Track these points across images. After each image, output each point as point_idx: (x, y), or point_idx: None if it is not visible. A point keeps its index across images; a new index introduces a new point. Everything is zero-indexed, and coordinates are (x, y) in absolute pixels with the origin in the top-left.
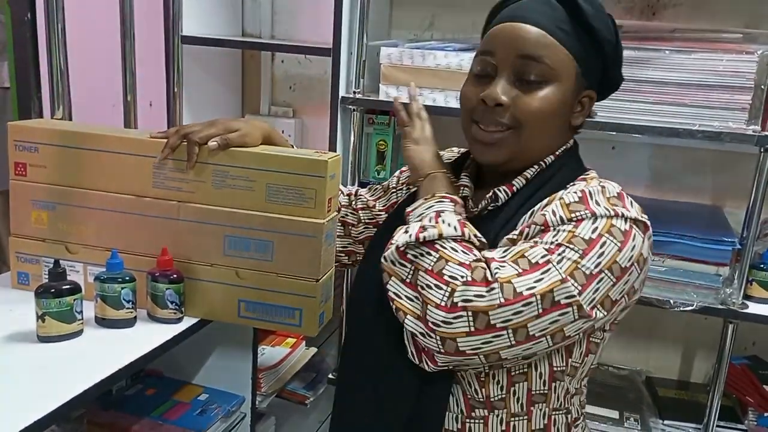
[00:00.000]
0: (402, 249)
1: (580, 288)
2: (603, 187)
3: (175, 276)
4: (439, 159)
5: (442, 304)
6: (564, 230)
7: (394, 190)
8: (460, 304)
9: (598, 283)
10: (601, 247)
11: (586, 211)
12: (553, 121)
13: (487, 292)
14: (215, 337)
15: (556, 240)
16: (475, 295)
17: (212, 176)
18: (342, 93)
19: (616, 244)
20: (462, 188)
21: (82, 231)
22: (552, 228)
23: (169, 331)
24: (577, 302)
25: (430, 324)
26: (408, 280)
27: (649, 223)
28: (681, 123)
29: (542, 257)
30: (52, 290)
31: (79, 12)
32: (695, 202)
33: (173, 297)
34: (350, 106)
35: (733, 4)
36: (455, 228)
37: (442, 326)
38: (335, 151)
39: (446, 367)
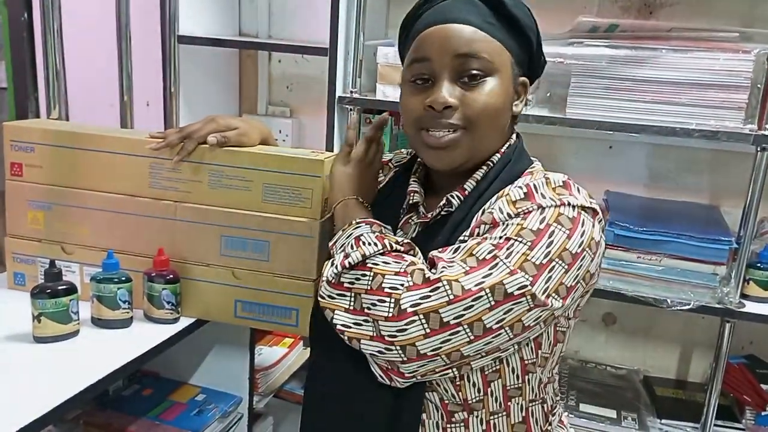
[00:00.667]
0: (333, 281)
1: (531, 278)
2: (547, 178)
3: (171, 276)
4: (360, 185)
5: (391, 315)
6: (512, 224)
7: None
8: (408, 309)
9: (549, 272)
10: (549, 236)
11: (533, 205)
12: (502, 113)
13: (431, 291)
14: (212, 337)
15: (505, 234)
16: (421, 298)
17: (208, 176)
18: (339, 92)
19: (564, 231)
20: (412, 194)
21: (79, 231)
22: (501, 223)
23: (166, 332)
24: (530, 292)
25: (386, 338)
26: (351, 308)
27: (597, 208)
28: (678, 122)
29: (489, 253)
30: (48, 291)
31: (75, 12)
32: (692, 201)
33: (169, 297)
34: (347, 106)
35: (730, 3)
36: (375, 244)
37: (398, 335)
38: (332, 151)
39: (415, 378)
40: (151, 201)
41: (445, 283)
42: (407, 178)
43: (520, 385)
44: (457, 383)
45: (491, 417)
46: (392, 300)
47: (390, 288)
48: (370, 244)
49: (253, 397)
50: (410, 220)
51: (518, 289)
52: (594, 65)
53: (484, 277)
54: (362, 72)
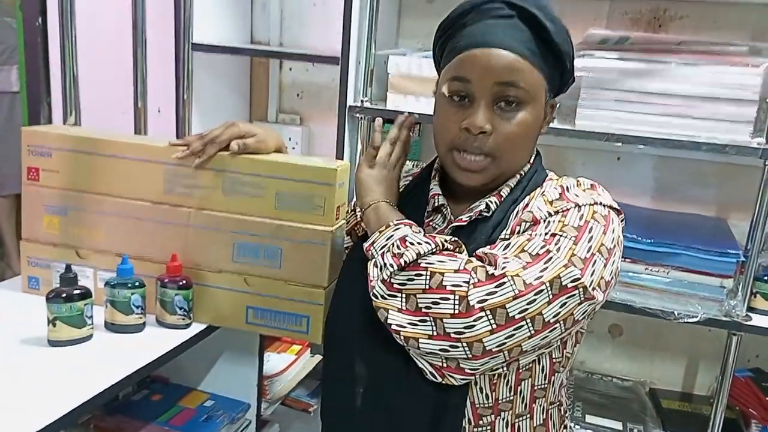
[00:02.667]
0: (388, 281)
1: (580, 271)
2: (578, 180)
3: (184, 282)
4: (387, 187)
5: (458, 311)
6: (554, 221)
7: (353, 212)
8: (476, 305)
9: (593, 266)
10: (589, 231)
11: (569, 204)
12: (530, 139)
13: (497, 287)
14: (221, 343)
15: (549, 231)
16: (488, 294)
17: (222, 183)
18: (350, 101)
19: (600, 227)
20: (435, 197)
21: (94, 236)
22: (542, 221)
23: (178, 337)
24: (582, 284)
25: (452, 335)
26: (405, 308)
27: (620, 209)
28: (686, 135)
29: (541, 248)
30: (63, 295)
31: (89, 19)
32: (700, 214)
33: (182, 303)
34: (358, 115)
35: (740, 17)
36: (427, 243)
37: (465, 332)
38: (342, 159)
39: (474, 375)
40: (166, 207)
41: (509, 278)
42: (424, 184)
43: (545, 385)
44: (494, 381)
45: (516, 419)
46: (457, 297)
47: (453, 285)
48: (420, 243)
49: (261, 404)
50: (432, 223)
51: (572, 281)
52: (604, 77)
53: (541, 272)
54: (373, 81)
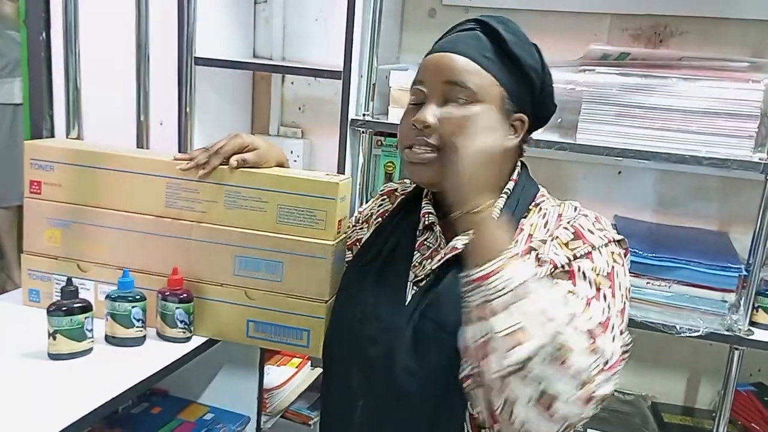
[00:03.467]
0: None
1: (621, 323)
2: (585, 215)
3: (184, 295)
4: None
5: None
6: (587, 276)
7: (355, 227)
8: (596, 396)
9: (623, 310)
10: (616, 277)
11: (586, 246)
12: None
13: (609, 379)
14: (222, 356)
15: (590, 291)
16: (604, 381)
17: (224, 196)
18: (352, 115)
19: (621, 268)
20: (426, 215)
21: (95, 249)
22: (573, 270)
23: (178, 351)
24: (621, 330)
25: (553, 416)
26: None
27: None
28: (687, 149)
29: (603, 315)
30: (64, 308)
31: (93, 32)
32: (701, 228)
33: (183, 316)
34: (359, 129)
35: (740, 32)
36: (563, 312)
37: (569, 418)
38: (344, 173)
39: None
40: (167, 220)
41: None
42: (416, 203)
43: None
44: None
45: None
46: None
47: (576, 371)
48: (559, 313)
49: (261, 417)
50: (426, 242)
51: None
52: (605, 92)
53: (611, 341)
54: (375, 95)
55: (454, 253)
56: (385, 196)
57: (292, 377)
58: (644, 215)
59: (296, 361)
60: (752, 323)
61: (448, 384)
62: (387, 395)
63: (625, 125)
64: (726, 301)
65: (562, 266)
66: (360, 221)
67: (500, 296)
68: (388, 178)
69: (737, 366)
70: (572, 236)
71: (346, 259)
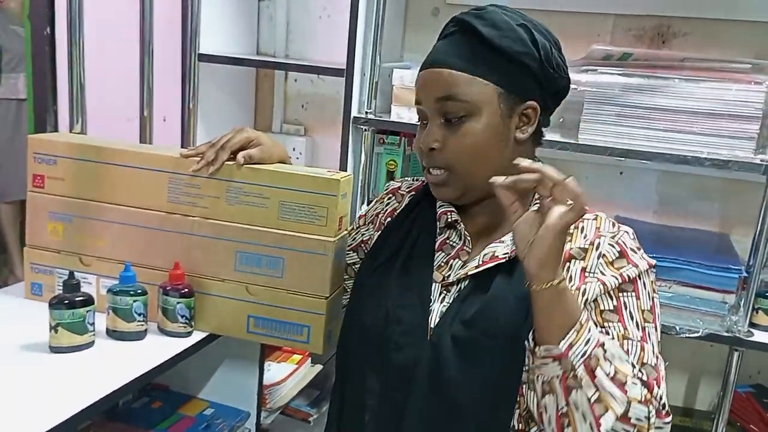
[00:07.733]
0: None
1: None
2: (626, 232)
3: (186, 290)
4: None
5: None
6: (633, 317)
7: (360, 229)
8: None
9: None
10: (656, 308)
11: (631, 267)
12: (488, 150)
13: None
14: (222, 351)
15: (638, 332)
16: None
17: (226, 192)
18: (354, 113)
19: (657, 299)
20: (447, 213)
21: (97, 243)
22: (611, 294)
23: (179, 345)
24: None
25: None
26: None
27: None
28: (689, 150)
29: (653, 354)
30: (66, 301)
31: (97, 28)
32: (702, 229)
33: (184, 311)
34: (362, 126)
35: (743, 34)
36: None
37: None
38: (345, 170)
39: None
40: (169, 216)
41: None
42: (428, 201)
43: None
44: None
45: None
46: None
47: (636, 419)
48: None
49: (260, 413)
50: (449, 241)
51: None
52: (607, 92)
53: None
54: (377, 93)
55: (496, 263)
56: (390, 195)
57: (292, 373)
58: (645, 216)
59: (296, 357)
60: (752, 325)
61: (501, 390)
62: (399, 395)
63: (627, 125)
64: (726, 303)
65: (611, 290)
66: (366, 222)
67: (583, 362)
68: (390, 176)
69: (736, 367)
70: (618, 254)
71: (355, 260)
